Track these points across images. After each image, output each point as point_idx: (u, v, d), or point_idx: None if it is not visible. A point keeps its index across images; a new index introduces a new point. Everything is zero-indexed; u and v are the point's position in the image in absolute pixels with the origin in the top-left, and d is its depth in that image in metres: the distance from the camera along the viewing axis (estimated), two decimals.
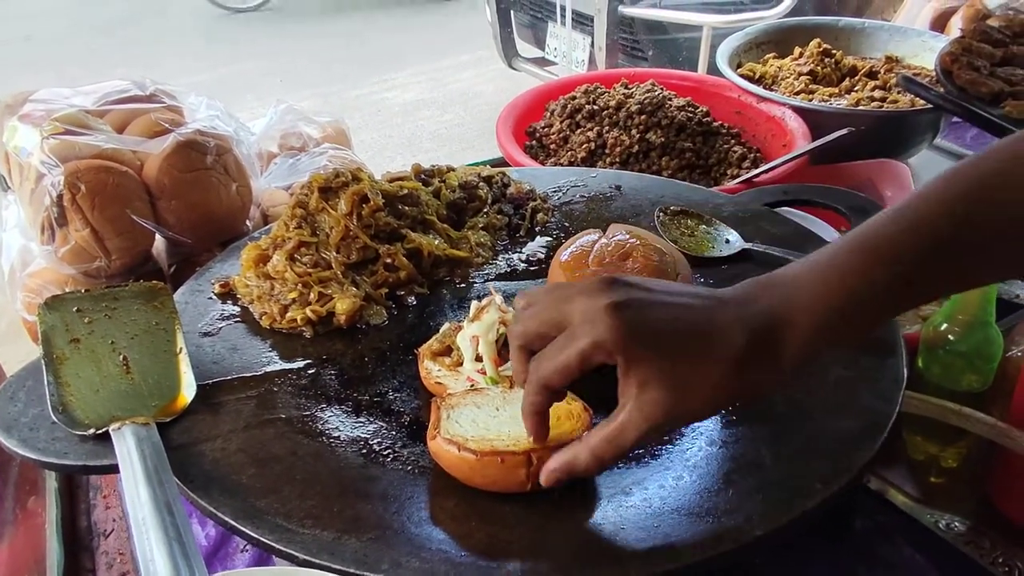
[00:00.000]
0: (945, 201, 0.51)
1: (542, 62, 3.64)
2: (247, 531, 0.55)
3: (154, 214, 0.96)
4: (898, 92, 1.37)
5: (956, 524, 0.78)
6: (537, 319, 0.53)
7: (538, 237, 0.99)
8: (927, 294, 0.55)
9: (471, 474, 0.58)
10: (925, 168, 1.46)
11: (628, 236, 0.79)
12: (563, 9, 3.27)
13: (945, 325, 0.80)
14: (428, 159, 1.06)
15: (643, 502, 0.57)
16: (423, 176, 0.99)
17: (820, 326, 0.49)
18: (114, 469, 0.62)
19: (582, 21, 3.27)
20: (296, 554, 0.53)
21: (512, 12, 3.72)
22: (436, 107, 4.54)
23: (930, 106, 1.19)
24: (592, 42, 3.16)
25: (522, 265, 0.93)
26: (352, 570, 0.51)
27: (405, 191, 0.92)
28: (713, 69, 1.52)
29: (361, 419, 0.69)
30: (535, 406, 0.54)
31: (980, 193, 0.50)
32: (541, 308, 0.54)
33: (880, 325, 0.61)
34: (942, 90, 1.12)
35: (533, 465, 0.56)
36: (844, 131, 1.07)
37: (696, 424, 0.65)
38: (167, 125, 0.98)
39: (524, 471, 0.56)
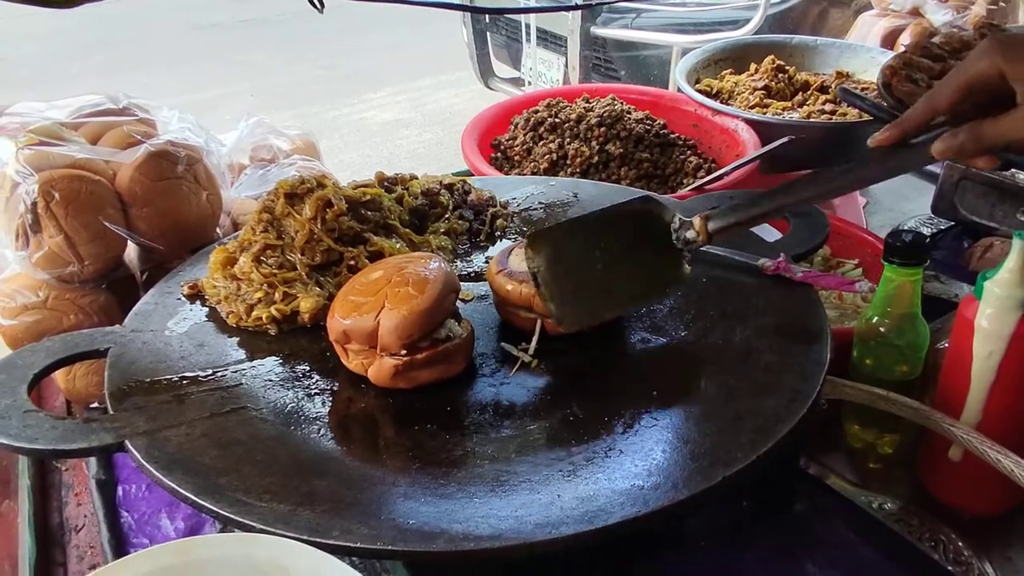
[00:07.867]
0: None
1: (518, 82, 3.71)
2: (207, 505, 0.58)
3: (126, 221, 0.99)
4: (847, 105, 1.43)
5: (888, 505, 0.83)
6: None
7: (498, 242, 1.03)
8: None
9: None
10: None
11: None
12: (528, 28, 3.35)
13: (876, 318, 0.84)
14: None
15: (580, 473, 0.61)
16: (386, 183, 1.04)
17: None
18: (83, 453, 0.65)
19: (556, 41, 3.34)
20: (253, 524, 0.56)
21: (488, 34, 3.80)
22: (415, 127, 4.60)
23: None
24: (566, 62, 3.24)
25: (482, 267, 0.97)
26: (305, 537, 0.54)
27: (368, 197, 0.96)
28: None
29: (321, 406, 0.73)
30: None
31: None
32: None
33: None
34: (882, 102, 1.18)
35: None
36: (785, 139, 1.13)
37: (633, 407, 0.69)
38: (139, 137, 1.01)
39: None
